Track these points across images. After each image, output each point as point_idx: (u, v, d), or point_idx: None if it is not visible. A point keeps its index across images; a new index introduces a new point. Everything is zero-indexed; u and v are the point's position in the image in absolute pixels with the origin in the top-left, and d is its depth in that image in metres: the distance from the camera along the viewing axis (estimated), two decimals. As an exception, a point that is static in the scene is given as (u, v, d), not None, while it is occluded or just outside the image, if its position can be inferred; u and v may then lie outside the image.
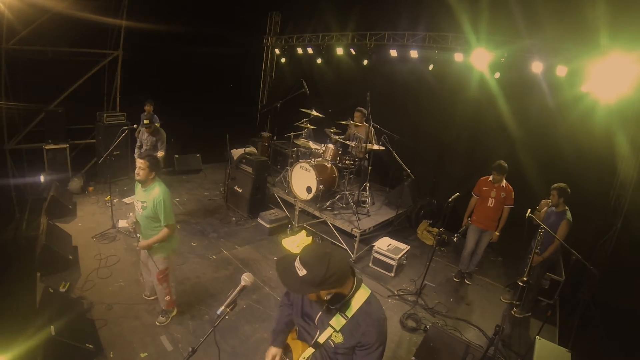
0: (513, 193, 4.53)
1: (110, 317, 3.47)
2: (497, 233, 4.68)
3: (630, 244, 4.54)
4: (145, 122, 5.10)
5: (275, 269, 1.58)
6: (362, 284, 1.60)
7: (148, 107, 6.32)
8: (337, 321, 1.55)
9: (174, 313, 3.63)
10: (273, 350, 1.86)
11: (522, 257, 4.68)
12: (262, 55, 10.05)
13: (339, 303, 1.54)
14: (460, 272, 5.11)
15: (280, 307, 1.96)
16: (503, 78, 5.67)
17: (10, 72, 5.81)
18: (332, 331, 1.56)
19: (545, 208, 4.28)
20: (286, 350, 1.87)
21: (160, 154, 5.18)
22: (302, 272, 1.42)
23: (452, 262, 5.55)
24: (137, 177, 3.04)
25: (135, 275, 4.18)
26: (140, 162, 2.99)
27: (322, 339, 1.60)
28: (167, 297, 3.43)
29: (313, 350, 1.65)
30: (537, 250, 3.94)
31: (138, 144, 5.42)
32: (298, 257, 1.46)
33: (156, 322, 3.50)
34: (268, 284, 4.38)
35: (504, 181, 4.57)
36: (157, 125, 5.46)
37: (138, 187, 3.17)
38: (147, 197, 3.06)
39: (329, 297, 1.50)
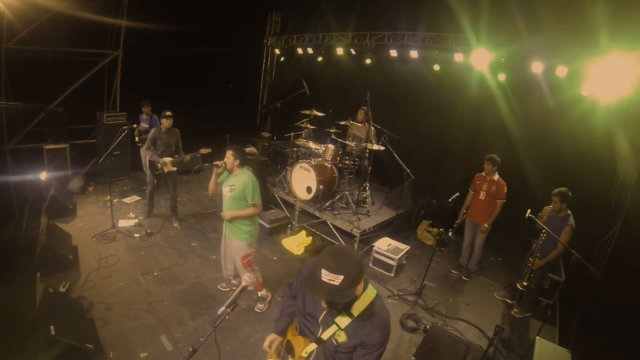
0: (505, 188, 4.58)
1: (110, 317, 3.47)
2: (485, 225, 4.70)
3: (630, 244, 4.54)
4: (168, 113, 5.01)
5: (307, 292, 1.57)
6: (369, 285, 1.59)
7: (146, 109, 6.31)
8: (342, 320, 1.54)
9: (270, 298, 3.98)
10: (272, 336, 1.89)
11: (522, 257, 4.68)
12: (262, 55, 10.05)
13: (349, 305, 1.52)
14: (460, 265, 5.18)
15: (282, 298, 1.98)
16: (503, 78, 5.66)
17: (10, 72, 5.79)
18: (337, 329, 1.56)
19: (547, 214, 4.27)
20: (288, 347, 1.87)
21: (188, 157, 5.12)
22: (338, 280, 1.37)
23: (452, 262, 5.55)
24: (226, 167, 3.43)
25: (135, 275, 4.19)
26: (227, 153, 3.40)
27: (325, 335, 1.60)
28: (256, 279, 3.61)
29: (316, 345, 1.65)
30: (538, 255, 3.94)
31: (149, 144, 5.11)
32: (322, 270, 1.38)
33: (255, 309, 3.85)
34: (268, 284, 4.37)
35: (497, 175, 4.65)
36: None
37: (225, 175, 3.53)
38: (236, 180, 3.45)
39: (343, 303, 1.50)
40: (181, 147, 5.26)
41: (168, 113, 5.01)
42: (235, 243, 3.62)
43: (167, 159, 5.08)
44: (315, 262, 1.45)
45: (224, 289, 4.10)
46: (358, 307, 1.52)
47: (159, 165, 5.06)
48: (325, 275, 1.37)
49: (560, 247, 3.84)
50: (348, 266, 1.39)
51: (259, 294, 3.89)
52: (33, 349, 2.82)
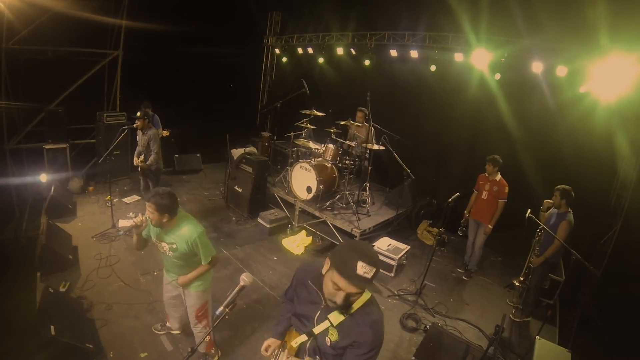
0: (506, 188, 4.63)
1: (110, 317, 3.47)
2: (489, 226, 4.74)
3: (630, 244, 4.54)
4: (138, 114, 5.03)
5: (348, 281, 1.46)
6: None
7: (146, 109, 6.32)
8: (336, 317, 1.56)
9: (217, 357, 3.16)
10: (269, 340, 1.89)
11: (522, 257, 4.68)
12: (262, 55, 10.04)
13: (350, 306, 1.53)
14: (465, 264, 5.25)
15: (282, 305, 1.99)
16: (503, 78, 5.66)
17: (10, 72, 5.80)
18: (329, 325, 1.57)
19: (549, 209, 4.28)
20: (282, 347, 1.88)
21: (152, 158, 5.10)
22: (371, 273, 1.42)
23: (452, 262, 5.56)
24: (151, 223, 2.52)
25: (135, 275, 4.19)
26: (147, 206, 2.46)
27: (317, 330, 1.61)
28: (208, 338, 2.92)
29: (306, 338, 1.66)
30: (536, 252, 3.95)
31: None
32: (359, 263, 1.40)
33: None
34: (268, 284, 4.38)
35: (499, 176, 4.71)
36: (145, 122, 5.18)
37: (153, 229, 2.64)
38: (174, 238, 2.58)
39: (353, 301, 1.51)
40: (154, 150, 5.14)
41: (138, 114, 5.07)
42: (189, 294, 2.83)
43: (138, 159, 5.23)
44: (346, 255, 1.45)
45: (158, 332, 3.38)
46: (352, 306, 1.54)
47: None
48: (362, 268, 1.40)
49: (557, 243, 3.84)
50: (377, 260, 1.47)
51: (205, 351, 3.09)
52: (33, 349, 2.82)
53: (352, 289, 1.43)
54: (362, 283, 1.42)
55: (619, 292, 4.64)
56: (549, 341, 3.32)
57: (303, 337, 1.67)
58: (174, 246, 2.60)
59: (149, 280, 4.13)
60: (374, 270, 1.42)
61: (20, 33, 5.69)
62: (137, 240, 2.71)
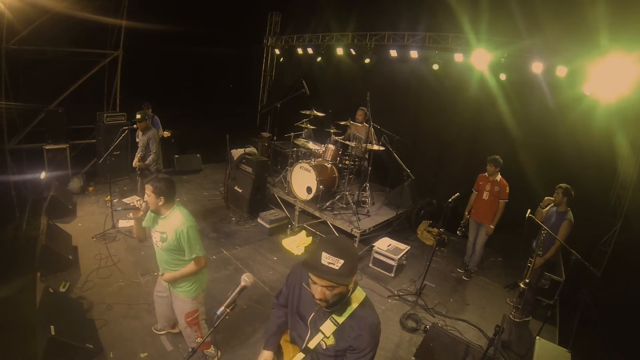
0: (507, 188, 4.64)
1: (110, 317, 3.47)
2: (491, 226, 4.75)
3: (630, 244, 4.55)
4: (138, 116, 5.00)
5: (306, 270, 1.50)
6: (358, 287, 1.60)
7: (147, 110, 6.32)
8: (328, 327, 1.55)
9: (217, 358, 3.16)
10: (265, 354, 1.83)
11: (522, 257, 4.68)
12: (262, 55, 10.05)
13: (338, 304, 1.52)
14: (465, 264, 5.25)
15: (272, 310, 1.93)
16: (504, 78, 5.67)
17: (10, 72, 5.80)
18: (322, 337, 1.56)
19: (548, 206, 4.28)
20: (277, 352, 1.85)
21: (150, 158, 5.08)
22: (338, 264, 1.38)
23: (452, 262, 5.56)
24: (148, 208, 2.59)
25: (135, 275, 4.18)
26: (146, 188, 2.52)
27: (312, 344, 1.60)
28: (199, 339, 2.88)
29: (303, 355, 1.64)
30: (539, 252, 3.94)
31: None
32: (323, 253, 1.41)
33: None
34: (268, 284, 4.38)
35: (499, 176, 4.71)
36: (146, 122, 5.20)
37: (151, 216, 2.69)
38: (166, 226, 2.57)
39: (335, 297, 1.47)
40: (152, 150, 5.11)
41: (138, 116, 5.04)
42: (176, 297, 2.81)
43: (137, 159, 5.20)
44: (315, 247, 1.47)
45: (158, 332, 3.37)
46: (345, 311, 1.54)
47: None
48: (326, 259, 1.39)
49: (559, 243, 3.85)
50: (347, 252, 1.42)
51: (205, 352, 3.12)
52: (33, 349, 2.82)
53: (322, 282, 1.42)
54: (330, 275, 1.39)
55: (619, 292, 4.64)
56: (549, 341, 3.32)
57: (301, 356, 1.65)
58: (164, 236, 2.59)
59: (149, 281, 4.12)
60: (342, 261, 1.38)
61: (20, 33, 5.69)
62: (137, 227, 2.74)
